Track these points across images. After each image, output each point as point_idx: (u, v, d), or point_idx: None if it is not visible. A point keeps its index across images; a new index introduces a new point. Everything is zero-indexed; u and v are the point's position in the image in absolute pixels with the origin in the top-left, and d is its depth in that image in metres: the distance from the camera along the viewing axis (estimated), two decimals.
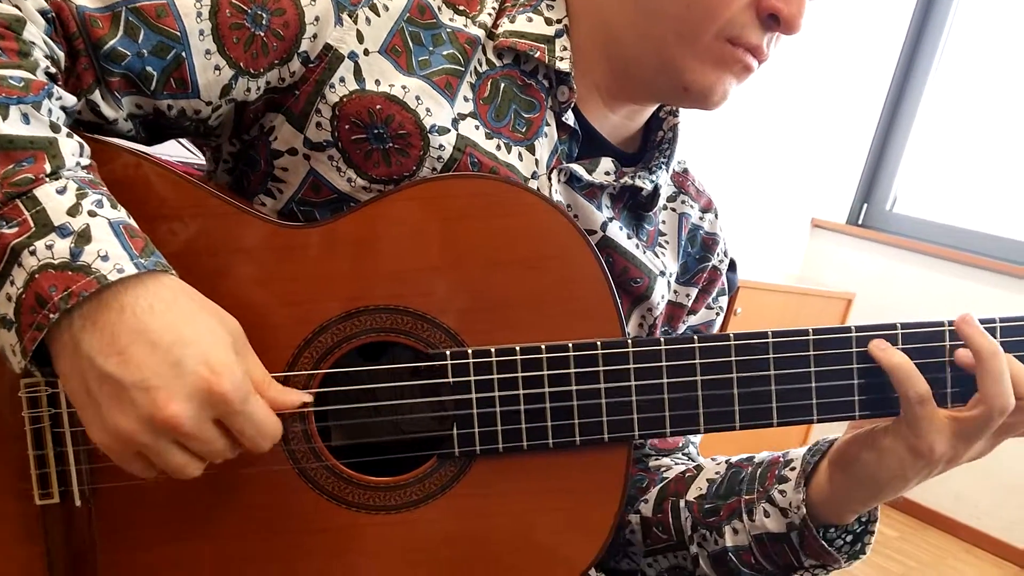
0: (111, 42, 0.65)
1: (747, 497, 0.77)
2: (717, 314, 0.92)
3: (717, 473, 0.82)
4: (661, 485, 0.84)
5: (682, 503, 0.81)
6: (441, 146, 0.72)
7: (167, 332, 0.56)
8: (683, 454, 0.90)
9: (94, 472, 0.67)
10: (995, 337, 0.69)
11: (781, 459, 0.78)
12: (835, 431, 0.78)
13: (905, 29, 3.53)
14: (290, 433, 0.68)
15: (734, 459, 0.83)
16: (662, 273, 0.84)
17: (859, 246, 3.60)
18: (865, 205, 3.71)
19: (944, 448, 0.68)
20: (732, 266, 0.95)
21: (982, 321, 0.70)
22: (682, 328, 0.90)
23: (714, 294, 0.91)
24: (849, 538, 0.76)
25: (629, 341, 0.70)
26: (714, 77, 0.73)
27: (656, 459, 0.89)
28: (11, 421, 0.66)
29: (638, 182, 0.80)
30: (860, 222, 3.71)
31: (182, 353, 0.56)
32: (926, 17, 3.55)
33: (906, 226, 3.57)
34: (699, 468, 0.83)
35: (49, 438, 0.66)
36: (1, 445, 0.66)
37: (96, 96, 0.66)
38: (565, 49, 0.75)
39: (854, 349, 0.71)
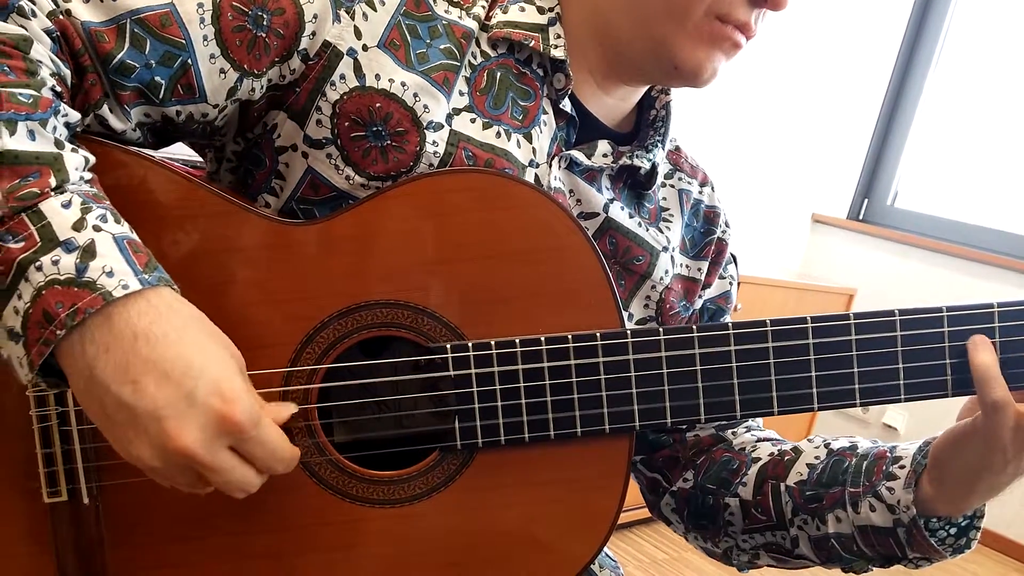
0: (119, 55, 0.65)
1: (852, 489, 0.77)
2: (730, 284, 0.93)
3: (817, 459, 0.81)
4: (758, 468, 0.83)
5: (783, 487, 0.81)
6: (435, 142, 0.73)
7: (179, 361, 0.57)
8: (745, 428, 0.89)
9: (101, 470, 0.68)
10: (992, 322, 0.70)
11: (889, 454, 0.77)
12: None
13: (905, 22, 3.52)
14: (294, 429, 0.69)
15: (835, 445, 0.82)
16: (665, 248, 0.85)
17: (860, 241, 3.59)
18: (866, 200, 3.71)
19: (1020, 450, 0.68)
20: (732, 261, 0.96)
21: (978, 306, 0.70)
22: (699, 303, 0.90)
23: (723, 264, 0.92)
24: (953, 531, 0.76)
25: (628, 332, 0.71)
26: (704, 55, 0.74)
27: (734, 434, 0.88)
28: (19, 419, 0.66)
29: (635, 161, 0.81)
30: (861, 217, 3.71)
31: (194, 383, 0.57)
32: (926, 10, 3.54)
33: (907, 221, 3.56)
34: (797, 451, 0.83)
35: (56, 436, 0.66)
36: (9, 443, 0.67)
37: (104, 110, 0.67)
38: (559, 37, 0.76)
39: (853, 336, 0.71)
